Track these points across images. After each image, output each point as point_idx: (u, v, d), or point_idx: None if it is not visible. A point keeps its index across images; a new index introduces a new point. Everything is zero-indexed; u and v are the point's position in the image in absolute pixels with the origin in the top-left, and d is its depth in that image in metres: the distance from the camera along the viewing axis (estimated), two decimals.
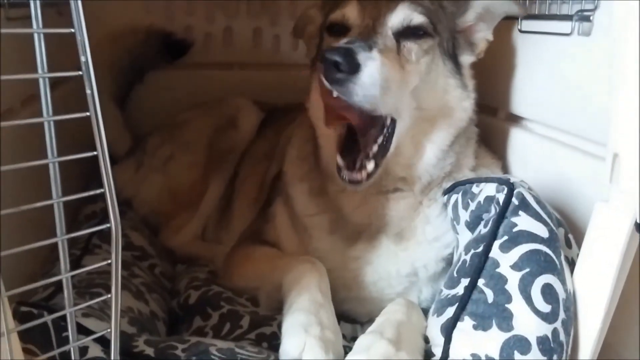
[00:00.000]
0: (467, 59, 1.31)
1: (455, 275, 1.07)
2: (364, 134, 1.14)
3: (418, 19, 1.19)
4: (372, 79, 1.03)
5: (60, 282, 0.75)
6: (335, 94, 1.04)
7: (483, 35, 1.31)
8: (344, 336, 1.27)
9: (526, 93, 1.41)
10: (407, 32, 1.19)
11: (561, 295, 0.94)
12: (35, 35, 0.67)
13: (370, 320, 1.16)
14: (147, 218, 1.79)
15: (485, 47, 1.33)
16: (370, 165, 1.14)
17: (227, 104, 1.96)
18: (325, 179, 1.33)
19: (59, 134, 0.71)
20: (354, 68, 1.02)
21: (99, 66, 2.03)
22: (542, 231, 0.98)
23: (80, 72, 0.66)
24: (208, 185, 1.81)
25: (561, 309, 0.93)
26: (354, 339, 1.31)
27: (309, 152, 1.38)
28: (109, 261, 0.74)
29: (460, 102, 1.27)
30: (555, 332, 0.91)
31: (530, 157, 1.39)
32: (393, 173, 1.25)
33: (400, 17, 1.19)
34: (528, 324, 0.91)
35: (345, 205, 1.30)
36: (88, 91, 0.67)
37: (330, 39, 1.26)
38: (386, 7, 1.20)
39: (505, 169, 1.44)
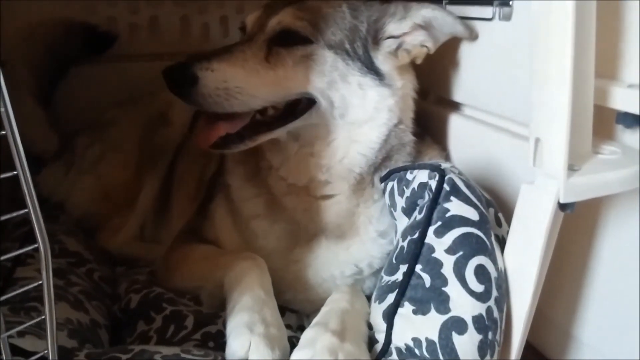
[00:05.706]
0: (388, 61, 1.27)
1: (394, 261, 1.10)
2: None
3: (292, 24, 1.21)
4: (208, 88, 1.11)
5: None
6: None
7: (420, 42, 1.27)
8: (290, 326, 1.28)
9: (455, 77, 1.43)
10: (281, 38, 1.21)
11: (493, 274, 0.98)
12: None
13: (317, 309, 1.18)
14: (81, 221, 1.72)
15: (422, 55, 1.30)
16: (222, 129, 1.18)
17: (157, 99, 1.90)
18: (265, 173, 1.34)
19: None
20: (191, 80, 1.11)
21: (16, 62, 1.90)
22: (473, 214, 1.02)
23: None
24: (143, 183, 1.76)
25: (494, 288, 0.97)
26: (300, 327, 1.33)
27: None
28: (40, 282, 0.71)
29: (383, 100, 1.25)
30: (489, 310, 0.96)
31: (464, 140, 1.43)
32: (315, 176, 1.26)
33: (273, 23, 1.23)
34: (464, 305, 0.95)
35: (285, 203, 1.31)
36: (2, 109, 0.63)
37: None
38: (272, 15, 1.23)
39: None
